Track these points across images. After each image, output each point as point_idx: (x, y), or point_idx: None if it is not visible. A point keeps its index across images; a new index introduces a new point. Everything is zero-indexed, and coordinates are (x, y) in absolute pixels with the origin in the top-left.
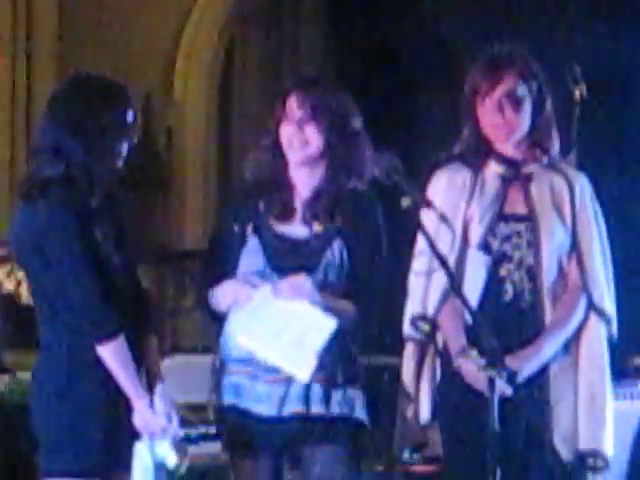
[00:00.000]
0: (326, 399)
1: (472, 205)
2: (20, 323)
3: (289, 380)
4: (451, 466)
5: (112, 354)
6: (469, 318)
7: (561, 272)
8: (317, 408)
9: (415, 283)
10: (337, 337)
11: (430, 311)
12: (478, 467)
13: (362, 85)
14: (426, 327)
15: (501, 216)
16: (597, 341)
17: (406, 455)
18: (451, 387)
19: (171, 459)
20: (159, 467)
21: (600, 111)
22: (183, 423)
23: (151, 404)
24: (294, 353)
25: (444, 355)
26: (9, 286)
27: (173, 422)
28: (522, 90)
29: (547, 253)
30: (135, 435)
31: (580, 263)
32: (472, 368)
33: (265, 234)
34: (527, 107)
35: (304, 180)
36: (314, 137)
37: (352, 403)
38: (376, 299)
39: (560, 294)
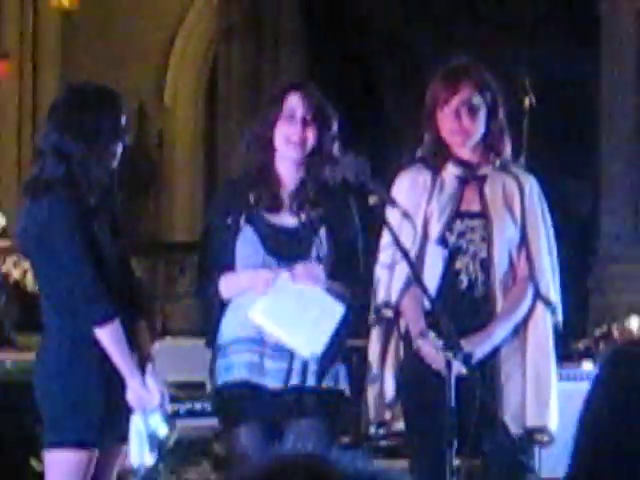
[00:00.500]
0: (321, 373)
1: (432, 203)
2: (25, 308)
3: (292, 356)
4: (412, 439)
5: (108, 336)
6: (428, 305)
7: (511, 265)
8: (313, 381)
9: (380, 273)
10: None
11: (393, 299)
12: (436, 440)
13: (336, 95)
14: (389, 313)
15: (457, 213)
16: (543, 327)
17: (372, 430)
18: (412, 367)
19: (162, 430)
20: (152, 437)
21: (547, 119)
22: (172, 399)
23: (143, 382)
24: (310, 334)
25: (406, 338)
26: (16, 275)
27: (163, 398)
28: (477, 100)
29: (498, 247)
30: (130, 410)
31: (528, 256)
32: (431, 349)
33: (258, 224)
34: (482, 115)
35: (291, 173)
36: (312, 135)
37: (338, 376)
38: (359, 282)
39: (510, 285)
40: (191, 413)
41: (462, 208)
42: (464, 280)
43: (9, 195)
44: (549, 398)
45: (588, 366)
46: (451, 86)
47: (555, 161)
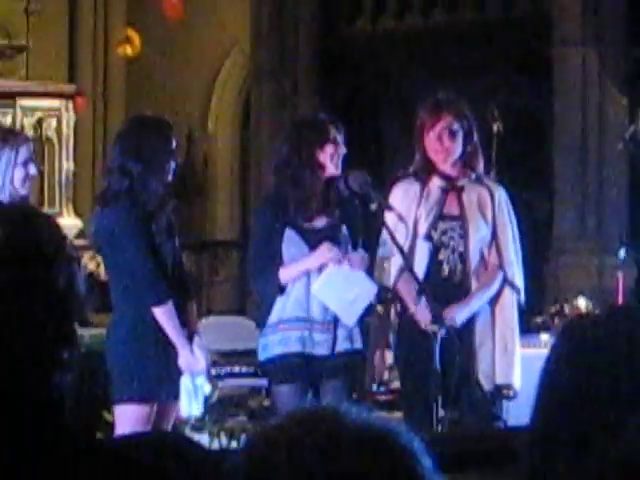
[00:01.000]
0: (351, 338)
1: (420, 208)
2: (99, 293)
3: (335, 327)
4: (405, 394)
5: (164, 314)
6: (417, 288)
7: (482, 258)
8: (346, 345)
9: (380, 263)
10: None
11: (391, 282)
12: (424, 395)
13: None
14: (388, 294)
15: (441, 216)
16: (509, 306)
17: (374, 388)
18: (405, 335)
19: (206, 388)
20: (198, 394)
21: (511, 141)
22: (214, 364)
23: (191, 350)
24: (353, 307)
25: (402, 313)
26: (91, 266)
27: (207, 363)
28: (456, 126)
29: (473, 243)
30: (181, 372)
31: (498, 250)
32: (423, 310)
33: (299, 229)
34: (460, 138)
35: (319, 187)
36: (341, 157)
37: (357, 338)
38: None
39: (482, 273)
40: (230, 375)
41: (444, 212)
42: (446, 269)
43: (85, 204)
44: (514, 361)
45: (545, 337)
46: (435, 115)
47: (518, 175)
